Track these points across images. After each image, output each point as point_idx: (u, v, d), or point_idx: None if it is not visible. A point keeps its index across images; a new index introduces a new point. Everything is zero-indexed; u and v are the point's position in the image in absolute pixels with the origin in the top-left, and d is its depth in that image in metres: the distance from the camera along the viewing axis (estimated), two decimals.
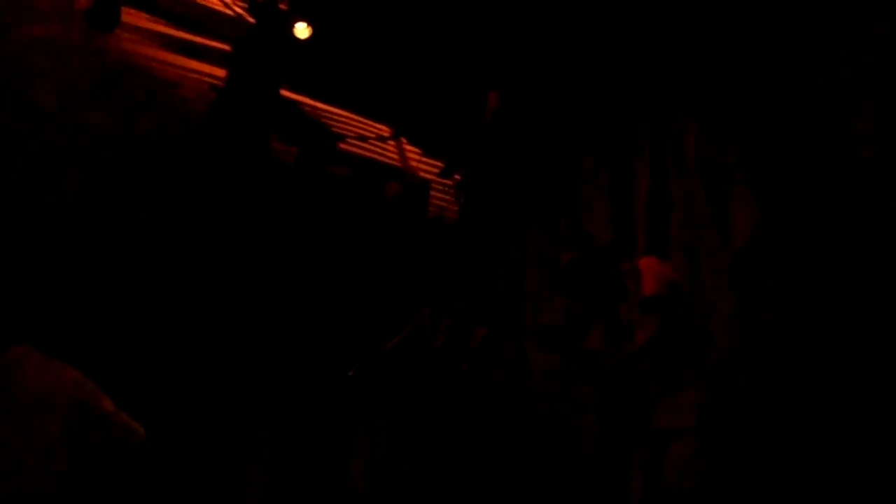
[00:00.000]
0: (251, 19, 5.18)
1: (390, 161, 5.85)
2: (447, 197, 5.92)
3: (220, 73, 5.22)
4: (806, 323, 3.56)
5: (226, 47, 5.24)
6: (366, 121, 5.73)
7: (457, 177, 5.75)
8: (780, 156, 3.89)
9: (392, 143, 5.83)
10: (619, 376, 3.55)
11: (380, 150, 5.82)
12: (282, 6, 5.02)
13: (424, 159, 5.89)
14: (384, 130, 5.78)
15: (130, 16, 4.86)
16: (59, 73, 4.57)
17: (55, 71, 4.56)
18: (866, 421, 3.21)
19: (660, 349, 3.38)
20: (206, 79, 5.23)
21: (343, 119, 5.67)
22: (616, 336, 3.62)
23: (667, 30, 4.43)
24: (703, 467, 3.28)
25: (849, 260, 3.48)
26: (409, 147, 5.88)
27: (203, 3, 5.18)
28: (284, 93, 5.35)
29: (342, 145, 5.61)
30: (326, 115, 5.60)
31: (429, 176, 5.89)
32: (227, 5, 5.26)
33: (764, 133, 3.99)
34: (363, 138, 5.73)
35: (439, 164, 5.83)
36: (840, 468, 3.20)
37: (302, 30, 4.96)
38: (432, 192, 5.90)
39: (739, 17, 4.14)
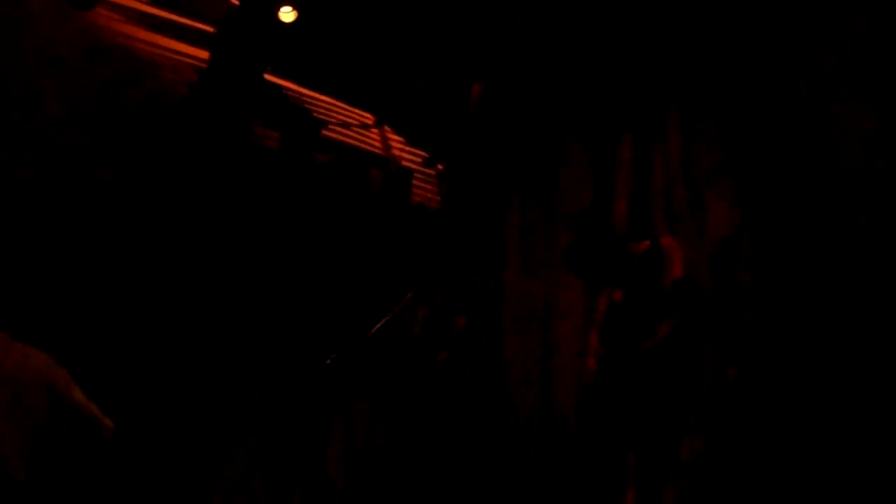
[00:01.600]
0: (236, 1, 5.12)
1: (373, 149, 5.83)
2: (430, 186, 5.91)
3: (203, 54, 5.15)
4: (784, 318, 3.59)
5: (209, 28, 5.17)
6: (349, 108, 5.69)
7: (440, 166, 5.74)
8: (763, 155, 3.92)
9: (375, 130, 5.80)
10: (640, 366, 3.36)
11: (363, 138, 5.79)
12: None
13: (407, 148, 5.87)
14: (368, 118, 5.74)
15: None
16: (39, 52, 4.49)
17: (34, 51, 4.48)
18: (854, 417, 3.25)
19: (681, 339, 3.27)
20: (189, 60, 5.16)
21: (327, 105, 5.63)
22: (639, 322, 3.42)
23: (654, 23, 4.43)
24: (692, 463, 3.32)
25: (828, 257, 3.52)
26: (392, 136, 5.85)
27: None
28: (268, 77, 5.30)
29: (325, 132, 5.58)
30: (310, 100, 5.55)
31: (411, 165, 5.88)
32: None
33: (747, 131, 4.01)
34: (347, 125, 5.70)
35: (422, 153, 5.81)
36: (829, 465, 3.24)
37: (287, 13, 4.91)
38: (415, 182, 5.89)
39: (726, 14, 4.15)
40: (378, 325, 4.08)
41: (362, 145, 5.78)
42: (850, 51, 3.65)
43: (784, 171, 3.77)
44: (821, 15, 3.73)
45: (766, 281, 3.69)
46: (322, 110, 5.61)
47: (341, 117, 5.69)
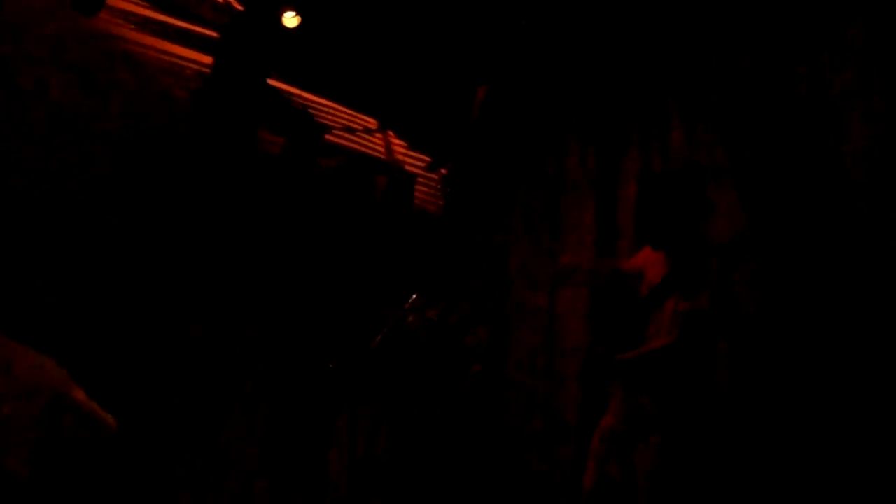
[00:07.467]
0: (239, 6, 5.14)
1: (377, 154, 5.83)
2: (433, 191, 5.91)
3: (207, 60, 5.17)
4: (786, 326, 3.58)
5: (213, 34, 5.19)
6: (353, 112, 5.71)
7: (443, 171, 5.74)
8: (765, 156, 3.91)
9: (379, 135, 5.80)
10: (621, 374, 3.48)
11: (367, 143, 5.79)
12: None
13: (411, 153, 5.87)
14: (371, 123, 5.75)
15: None
16: (42, 56, 4.51)
17: (38, 54, 4.50)
18: (851, 421, 3.24)
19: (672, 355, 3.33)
20: (192, 66, 5.18)
21: (330, 110, 5.64)
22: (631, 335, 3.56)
23: (657, 28, 4.43)
24: (686, 468, 3.29)
25: (833, 265, 3.50)
26: (395, 140, 5.86)
27: None
28: (272, 82, 5.31)
29: (329, 137, 5.59)
30: (314, 105, 5.57)
31: (415, 170, 5.88)
32: None
33: (749, 133, 4.01)
34: (350, 130, 5.71)
35: (425, 158, 5.82)
36: (825, 470, 3.22)
37: (290, 18, 4.93)
38: (418, 186, 5.89)
39: (729, 17, 4.15)
40: (382, 330, 4.06)
41: (366, 150, 5.79)
42: (851, 51, 3.65)
43: (787, 171, 3.76)
44: (822, 16, 3.73)
45: (772, 280, 3.69)
46: (326, 115, 5.62)
47: (345, 122, 5.70)
